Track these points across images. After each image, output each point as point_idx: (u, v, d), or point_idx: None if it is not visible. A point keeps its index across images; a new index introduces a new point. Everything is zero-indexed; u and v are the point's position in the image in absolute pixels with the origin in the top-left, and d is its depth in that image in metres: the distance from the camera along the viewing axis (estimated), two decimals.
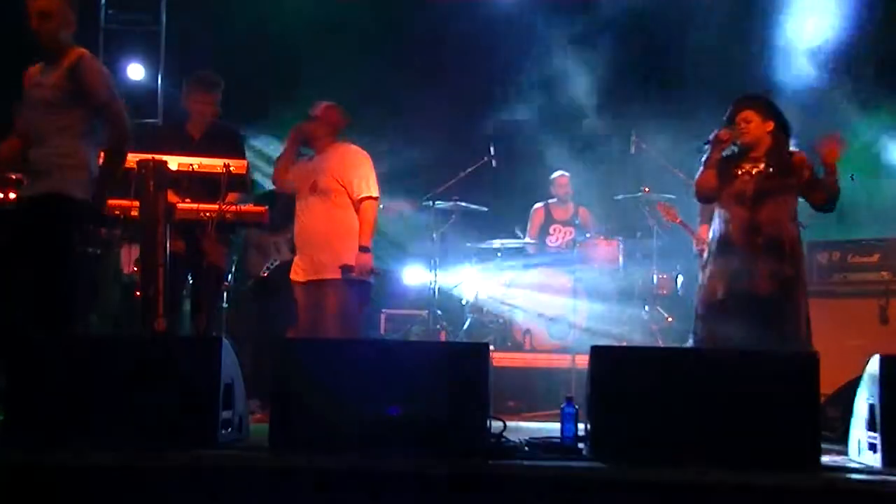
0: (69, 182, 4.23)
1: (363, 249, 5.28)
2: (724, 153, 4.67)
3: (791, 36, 7.11)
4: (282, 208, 6.26)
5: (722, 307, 4.54)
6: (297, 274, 5.43)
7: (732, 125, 4.68)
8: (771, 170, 4.61)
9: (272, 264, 6.29)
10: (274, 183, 5.58)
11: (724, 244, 4.66)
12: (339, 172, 5.36)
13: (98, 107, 4.29)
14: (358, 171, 5.37)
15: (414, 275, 7.83)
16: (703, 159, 4.71)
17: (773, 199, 4.58)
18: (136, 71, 7.92)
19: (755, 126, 4.67)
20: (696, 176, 4.76)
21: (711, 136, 4.68)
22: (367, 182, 5.36)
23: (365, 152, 5.48)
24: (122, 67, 7.88)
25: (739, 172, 4.65)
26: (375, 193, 5.38)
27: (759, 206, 4.58)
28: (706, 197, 4.82)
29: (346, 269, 5.27)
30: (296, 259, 5.52)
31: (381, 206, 5.71)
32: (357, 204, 5.34)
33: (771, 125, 4.69)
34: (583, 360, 5.69)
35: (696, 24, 7.26)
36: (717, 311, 4.56)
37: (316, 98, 5.61)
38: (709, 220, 6.12)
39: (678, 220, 6.38)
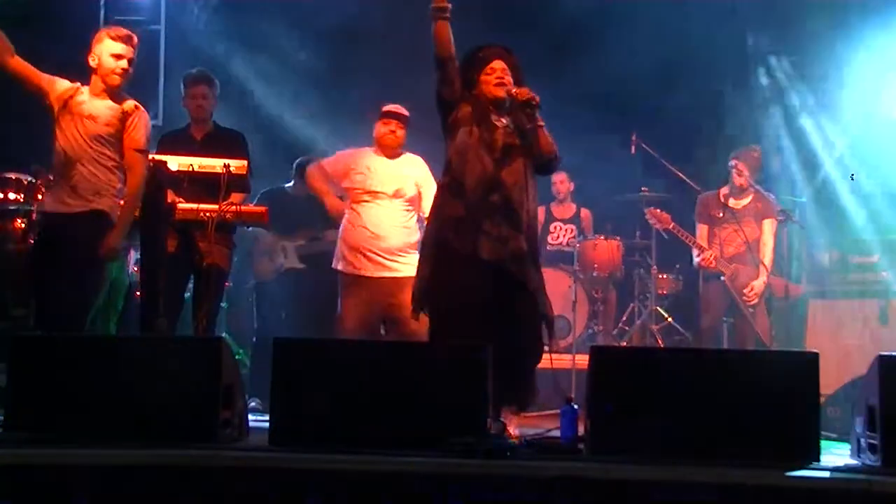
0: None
1: None
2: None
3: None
4: (295, 212, 6.24)
5: (445, 255, 4.14)
6: (371, 268, 5.26)
7: (482, 67, 4.27)
8: (514, 130, 4.22)
9: (280, 269, 6.27)
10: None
11: (455, 188, 4.17)
12: (420, 180, 5.37)
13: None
14: (431, 181, 5.30)
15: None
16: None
17: (516, 160, 4.18)
18: None
19: (511, 81, 4.26)
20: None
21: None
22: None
23: None
24: None
25: (490, 119, 4.22)
26: None
27: (507, 161, 4.16)
28: (440, 52, 4.23)
29: None
30: (367, 253, 5.28)
31: None
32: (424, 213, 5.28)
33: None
34: (583, 360, 5.70)
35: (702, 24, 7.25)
36: (441, 257, 4.16)
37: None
38: (707, 220, 6.15)
39: (671, 227, 6.26)
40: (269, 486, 2.99)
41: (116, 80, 4.55)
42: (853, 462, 3.42)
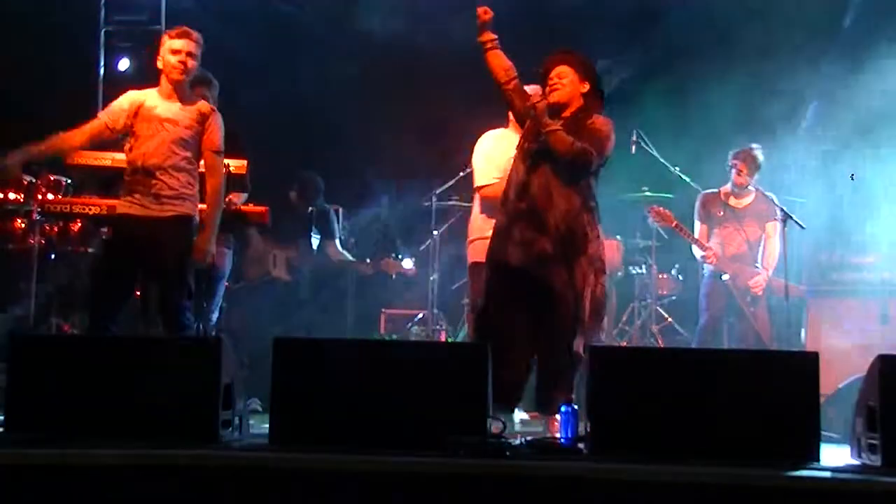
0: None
1: None
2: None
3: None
4: (292, 223, 6.23)
5: (497, 266, 4.28)
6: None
7: (546, 81, 4.30)
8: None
9: (266, 277, 6.25)
10: None
11: (503, 200, 4.33)
12: None
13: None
14: None
15: (414, 274, 7.81)
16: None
17: (542, 165, 4.20)
18: (124, 63, 7.84)
19: (570, 83, 4.27)
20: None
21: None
22: None
23: None
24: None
25: (538, 130, 4.24)
26: None
27: (535, 167, 4.21)
28: (495, 79, 4.32)
29: None
30: None
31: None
32: None
33: (587, 86, 4.31)
34: None
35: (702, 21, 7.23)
36: (495, 269, 4.30)
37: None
38: (706, 219, 6.15)
39: (674, 224, 6.25)
40: (269, 486, 2.99)
41: (176, 74, 4.44)
42: (853, 462, 3.42)
